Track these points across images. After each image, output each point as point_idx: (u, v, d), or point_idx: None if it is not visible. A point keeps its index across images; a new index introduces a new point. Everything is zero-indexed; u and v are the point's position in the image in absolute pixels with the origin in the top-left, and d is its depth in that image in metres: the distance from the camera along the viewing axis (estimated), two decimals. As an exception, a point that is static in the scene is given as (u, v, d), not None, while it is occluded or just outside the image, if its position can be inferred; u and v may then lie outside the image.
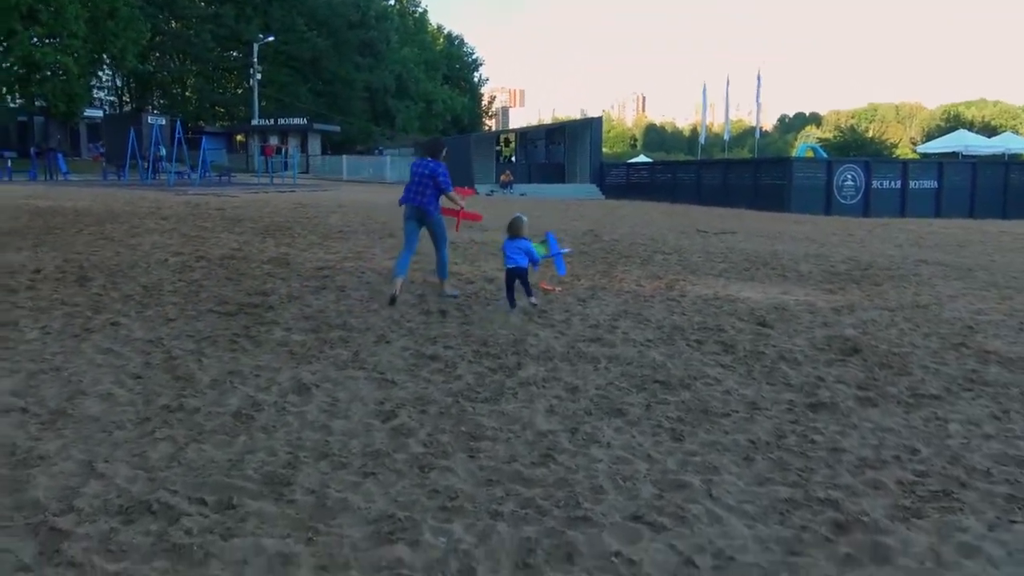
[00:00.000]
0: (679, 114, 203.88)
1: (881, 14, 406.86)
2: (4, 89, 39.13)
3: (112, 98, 59.43)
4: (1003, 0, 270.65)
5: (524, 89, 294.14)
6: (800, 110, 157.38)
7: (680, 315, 7.95)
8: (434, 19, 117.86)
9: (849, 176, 29.95)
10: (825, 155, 41.95)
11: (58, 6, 34.54)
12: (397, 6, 74.41)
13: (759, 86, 45.22)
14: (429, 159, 8.19)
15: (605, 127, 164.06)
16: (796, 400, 5.18)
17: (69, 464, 3.68)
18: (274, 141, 49.78)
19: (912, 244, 17.22)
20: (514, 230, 7.79)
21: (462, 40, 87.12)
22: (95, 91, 53.66)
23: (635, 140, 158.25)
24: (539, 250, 8.09)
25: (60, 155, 31.31)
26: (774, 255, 13.67)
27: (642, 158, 68.24)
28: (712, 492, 3.64)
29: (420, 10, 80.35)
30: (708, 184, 34.05)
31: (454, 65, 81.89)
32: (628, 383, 5.43)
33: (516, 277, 7.71)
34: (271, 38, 52.88)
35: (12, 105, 41.67)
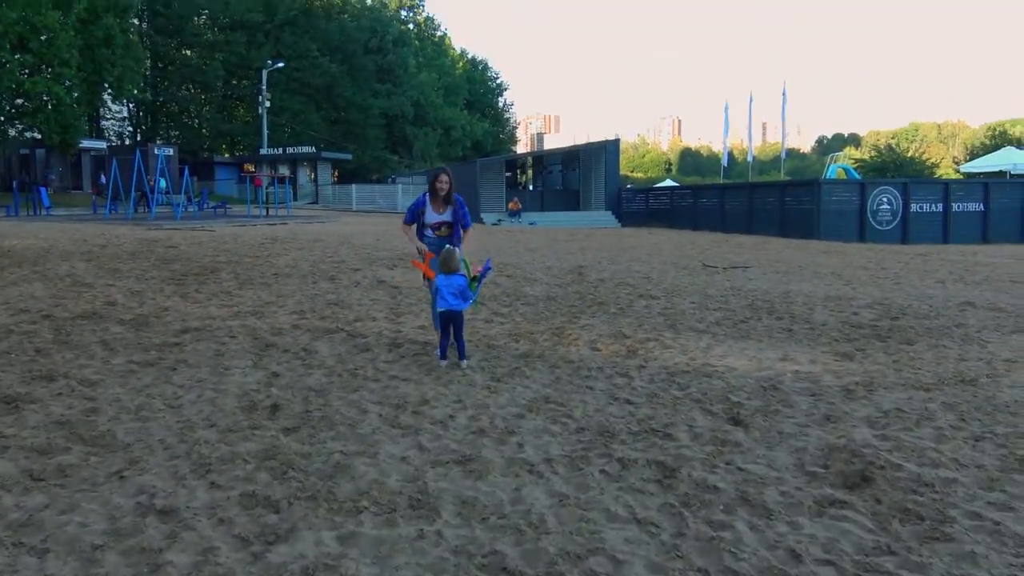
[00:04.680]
0: (715, 137, 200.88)
1: (924, 32, 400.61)
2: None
3: (127, 128, 58.41)
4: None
5: (559, 115, 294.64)
6: (839, 131, 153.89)
7: (623, 404, 5.65)
8: (457, 43, 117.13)
9: (885, 199, 27.27)
10: (857, 176, 39.10)
11: (49, 34, 33.20)
12: (415, 30, 72.96)
13: (784, 103, 42.67)
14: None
15: (640, 151, 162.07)
16: (739, 624, 2.86)
17: None
18: (284, 170, 48.22)
19: (956, 279, 14.58)
20: (447, 265, 6.66)
21: (486, 65, 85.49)
22: (105, 121, 52.66)
23: (670, 164, 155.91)
24: (472, 287, 6.79)
25: (43, 189, 29.78)
26: (785, 298, 11.25)
27: (668, 182, 65.83)
28: None
29: (440, 34, 78.91)
30: (732, 210, 31.47)
31: (477, 90, 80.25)
32: None
33: (450, 321, 6.71)
34: (280, 64, 51.42)
35: (12, 136, 40.41)
